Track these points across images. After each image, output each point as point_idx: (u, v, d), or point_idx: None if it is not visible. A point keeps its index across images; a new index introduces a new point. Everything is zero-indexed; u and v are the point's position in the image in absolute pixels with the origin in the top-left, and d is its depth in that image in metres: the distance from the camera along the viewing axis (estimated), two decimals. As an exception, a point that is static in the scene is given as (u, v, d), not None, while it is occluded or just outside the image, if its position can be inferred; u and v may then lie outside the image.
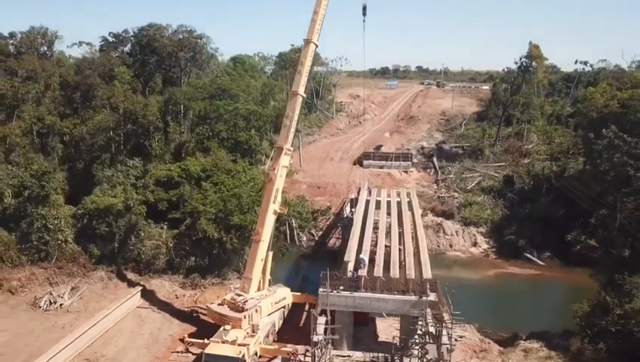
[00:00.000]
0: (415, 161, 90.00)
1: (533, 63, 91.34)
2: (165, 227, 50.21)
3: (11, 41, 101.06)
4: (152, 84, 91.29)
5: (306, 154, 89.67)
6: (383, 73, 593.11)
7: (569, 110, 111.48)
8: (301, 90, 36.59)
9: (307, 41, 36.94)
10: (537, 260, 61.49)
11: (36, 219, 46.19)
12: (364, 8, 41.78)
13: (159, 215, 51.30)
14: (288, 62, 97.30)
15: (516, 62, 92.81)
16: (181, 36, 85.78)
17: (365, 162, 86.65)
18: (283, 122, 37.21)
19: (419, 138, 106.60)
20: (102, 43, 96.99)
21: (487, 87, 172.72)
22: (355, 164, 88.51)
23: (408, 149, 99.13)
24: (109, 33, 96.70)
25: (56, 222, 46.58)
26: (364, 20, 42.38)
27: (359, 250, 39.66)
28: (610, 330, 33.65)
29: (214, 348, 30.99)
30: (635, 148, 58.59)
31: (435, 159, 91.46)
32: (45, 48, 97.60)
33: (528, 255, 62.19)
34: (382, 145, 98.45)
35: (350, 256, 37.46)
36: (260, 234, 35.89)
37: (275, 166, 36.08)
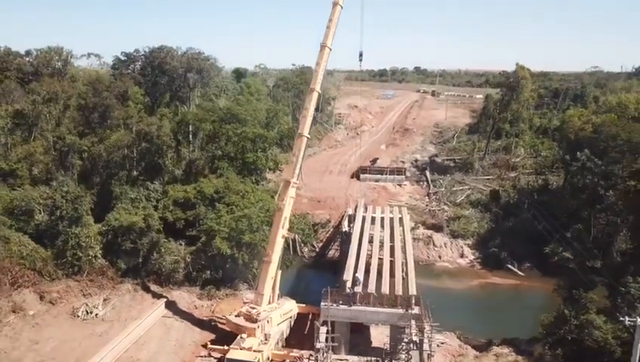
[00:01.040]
0: (408, 174, 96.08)
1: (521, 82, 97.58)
2: (183, 243, 56.29)
3: (28, 59, 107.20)
4: (161, 98, 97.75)
5: (307, 168, 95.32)
6: (381, 75, 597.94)
7: (556, 123, 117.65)
8: (306, 132, 42.60)
9: (311, 90, 42.93)
10: (518, 271, 67.64)
11: (70, 237, 52.11)
12: (361, 54, 47.84)
13: (177, 232, 57.34)
14: (290, 84, 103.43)
15: (504, 83, 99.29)
16: (189, 56, 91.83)
17: (362, 176, 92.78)
18: (290, 159, 43.27)
19: (413, 150, 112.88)
20: (114, 62, 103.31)
21: (480, 96, 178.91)
22: (352, 177, 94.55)
23: (403, 162, 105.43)
24: (122, 52, 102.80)
25: (87, 240, 52.55)
26: (360, 66, 48.42)
27: (356, 269, 45.79)
28: (567, 338, 39.84)
29: (234, 353, 37.12)
30: (606, 171, 65.11)
31: (427, 172, 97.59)
32: (60, 66, 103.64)
33: (510, 266, 68.34)
34: (378, 158, 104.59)
35: (348, 275, 43.57)
36: (270, 255, 41.99)
37: (284, 197, 42.13)
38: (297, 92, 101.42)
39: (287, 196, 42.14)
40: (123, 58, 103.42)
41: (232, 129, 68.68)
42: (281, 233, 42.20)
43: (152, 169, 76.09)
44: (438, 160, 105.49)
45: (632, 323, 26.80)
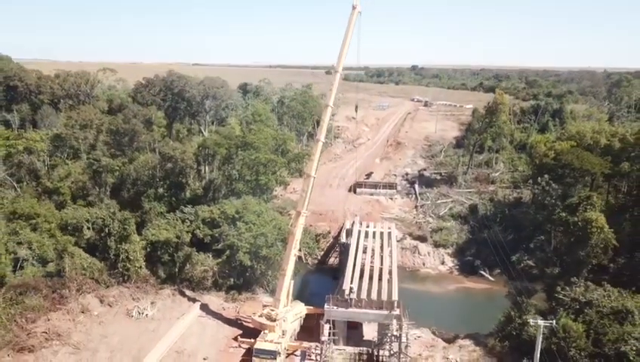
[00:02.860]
0: (399, 188, 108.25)
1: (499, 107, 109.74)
2: (210, 256, 68.32)
3: (57, 81, 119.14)
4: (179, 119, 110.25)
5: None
6: (379, 76, 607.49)
7: (534, 138, 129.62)
8: (313, 173, 54.62)
9: (317, 140, 54.91)
10: (489, 276, 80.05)
11: (121, 252, 64.20)
12: (356, 107, 59.97)
13: (206, 246, 69.37)
14: (295, 111, 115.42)
15: (485, 107, 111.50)
16: (207, 84, 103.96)
17: (358, 190, 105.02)
18: (300, 194, 55.35)
19: (404, 164, 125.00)
20: (136, 86, 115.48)
21: (470, 106, 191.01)
22: (350, 190, 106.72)
23: (395, 175, 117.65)
24: (143, 78, 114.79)
25: (134, 254, 64.66)
26: (355, 118, 60.49)
27: (352, 278, 58.21)
28: (512, 333, 52.24)
29: (260, 344, 49.43)
30: (563, 193, 77.52)
31: (416, 186, 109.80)
32: (88, 90, 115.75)
33: (482, 272, 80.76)
34: (372, 173, 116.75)
35: (346, 285, 55.95)
36: (285, 270, 54.19)
37: (296, 225, 54.31)
38: (302, 120, 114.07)
39: (299, 224, 54.32)
40: (144, 82, 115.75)
41: (247, 156, 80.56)
42: (294, 252, 54.42)
43: (175, 186, 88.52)
44: (427, 173, 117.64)
45: (534, 324, 38.97)
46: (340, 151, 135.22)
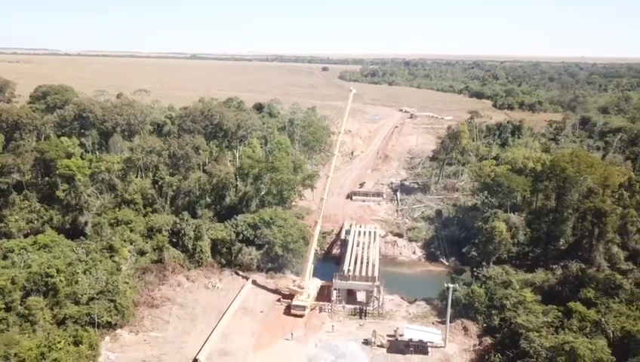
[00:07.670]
0: (385, 195, 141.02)
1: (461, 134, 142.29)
2: (254, 248, 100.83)
3: (116, 111, 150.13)
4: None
5: (317, 192, 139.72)
6: (373, 75, 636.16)
7: (494, 153, 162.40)
8: (325, 196, 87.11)
9: (326, 176, 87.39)
10: (446, 262, 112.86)
11: (197, 247, 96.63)
12: (352, 152, 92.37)
13: (251, 242, 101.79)
14: (306, 140, 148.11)
15: (449, 134, 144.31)
16: (240, 118, 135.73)
17: (353, 197, 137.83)
18: (316, 209, 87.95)
19: (390, 175, 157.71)
20: (177, 115, 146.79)
21: (450, 118, 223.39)
22: (347, 198, 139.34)
23: (382, 184, 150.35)
24: (182, 108, 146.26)
25: (205, 249, 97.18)
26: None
27: (349, 263, 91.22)
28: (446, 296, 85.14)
29: (296, 302, 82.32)
30: (498, 204, 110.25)
31: (398, 193, 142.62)
32: (142, 118, 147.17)
33: (442, 260, 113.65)
34: (364, 182, 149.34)
35: (346, 267, 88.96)
36: (307, 258, 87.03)
37: (314, 229, 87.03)
38: (311, 146, 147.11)
39: (317, 229, 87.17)
40: (183, 113, 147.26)
41: (274, 176, 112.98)
42: (313, 247, 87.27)
43: (219, 197, 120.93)
44: (407, 183, 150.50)
45: (446, 287, 71.66)
46: (339, 162, 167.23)
